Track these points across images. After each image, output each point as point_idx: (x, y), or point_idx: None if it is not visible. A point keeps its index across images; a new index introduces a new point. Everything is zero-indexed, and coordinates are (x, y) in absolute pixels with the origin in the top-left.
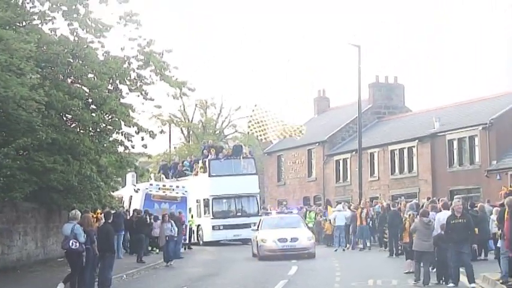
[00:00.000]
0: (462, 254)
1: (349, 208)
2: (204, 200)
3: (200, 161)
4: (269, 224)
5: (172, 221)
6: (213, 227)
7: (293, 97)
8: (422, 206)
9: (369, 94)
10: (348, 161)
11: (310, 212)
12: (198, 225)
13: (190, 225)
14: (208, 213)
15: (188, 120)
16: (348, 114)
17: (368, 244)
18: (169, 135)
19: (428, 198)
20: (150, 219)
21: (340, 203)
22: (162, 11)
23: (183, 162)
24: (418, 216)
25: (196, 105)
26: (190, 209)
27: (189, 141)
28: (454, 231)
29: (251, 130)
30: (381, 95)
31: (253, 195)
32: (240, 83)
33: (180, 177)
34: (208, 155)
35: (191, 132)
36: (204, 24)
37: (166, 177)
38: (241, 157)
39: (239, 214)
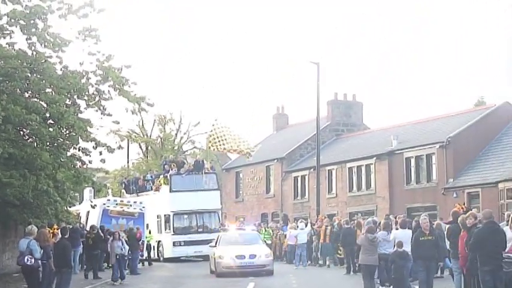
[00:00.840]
0: (430, 271)
1: (312, 226)
2: (164, 215)
3: (161, 176)
4: (227, 240)
5: (122, 239)
6: (174, 243)
7: (252, 113)
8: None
9: (328, 111)
10: (306, 177)
11: (267, 228)
12: (159, 241)
13: (148, 241)
14: (169, 229)
15: (146, 136)
16: (307, 131)
17: (327, 262)
18: (128, 150)
19: (386, 216)
20: (106, 235)
21: (301, 220)
22: (123, 24)
23: (144, 177)
24: (364, 233)
25: (154, 120)
26: (147, 225)
27: (147, 157)
28: (423, 248)
29: (211, 145)
30: (340, 112)
31: (215, 211)
32: (199, 98)
33: (141, 192)
34: (169, 170)
35: (149, 148)
36: (162, 36)
37: (127, 192)
38: (203, 172)
39: (200, 230)
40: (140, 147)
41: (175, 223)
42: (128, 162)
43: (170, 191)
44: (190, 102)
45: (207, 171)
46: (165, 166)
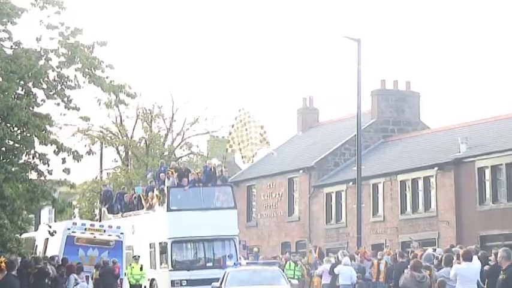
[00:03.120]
0: None
1: (352, 260)
2: (160, 244)
3: (155, 189)
4: (238, 279)
5: (75, 276)
6: (173, 283)
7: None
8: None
9: (372, 104)
10: (343, 194)
11: (294, 262)
12: (152, 280)
13: (137, 280)
14: (166, 262)
15: (126, 137)
16: (344, 132)
17: None
18: (101, 156)
19: (451, 246)
20: (61, 270)
21: (342, 251)
22: None
23: (133, 190)
24: (409, 270)
25: (137, 116)
26: (137, 258)
27: (127, 165)
28: None
29: (231, 146)
30: (389, 105)
31: (231, 237)
32: (196, 87)
33: (127, 211)
34: (165, 180)
35: (130, 153)
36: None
37: (110, 212)
38: (215, 183)
39: (209, 265)
40: (118, 152)
41: (175, 255)
42: (101, 173)
43: (168, 210)
44: (185, 92)
45: (220, 181)
46: (161, 175)
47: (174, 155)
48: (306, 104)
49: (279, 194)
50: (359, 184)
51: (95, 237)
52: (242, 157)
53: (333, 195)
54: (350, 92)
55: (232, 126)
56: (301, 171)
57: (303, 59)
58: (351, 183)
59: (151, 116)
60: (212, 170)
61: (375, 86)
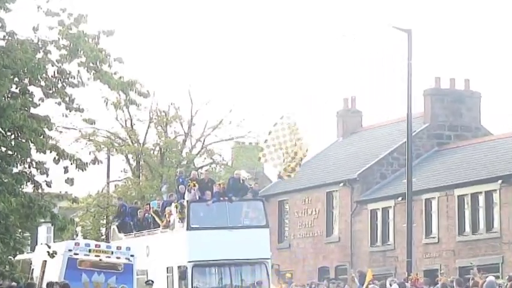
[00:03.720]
0: None
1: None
2: (179, 268)
3: (173, 204)
4: None
5: None
6: None
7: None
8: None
9: (425, 107)
10: (391, 211)
11: None
12: None
13: None
14: None
15: (138, 144)
16: (391, 138)
17: None
18: (108, 166)
19: None
20: None
21: (392, 279)
22: None
23: (148, 205)
24: None
25: (150, 119)
26: (151, 282)
27: (138, 176)
28: None
29: (264, 155)
30: (444, 108)
31: (262, 261)
32: (222, 87)
33: (140, 230)
34: (185, 193)
35: (142, 162)
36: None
37: (122, 231)
38: (243, 197)
39: None
40: (128, 160)
41: (196, 281)
42: (107, 185)
43: (188, 228)
44: (206, 92)
45: (249, 195)
46: (180, 187)
47: (194, 164)
48: (348, 106)
49: (315, 210)
50: (409, 200)
51: (100, 259)
52: (283, 170)
53: (379, 213)
54: (399, 91)
55: (270, 133)
56: (341, 184)
57: (344, 54)
58: (399, 198)
59: (167, 119)
60: (240, 181)
61: (428, 85)
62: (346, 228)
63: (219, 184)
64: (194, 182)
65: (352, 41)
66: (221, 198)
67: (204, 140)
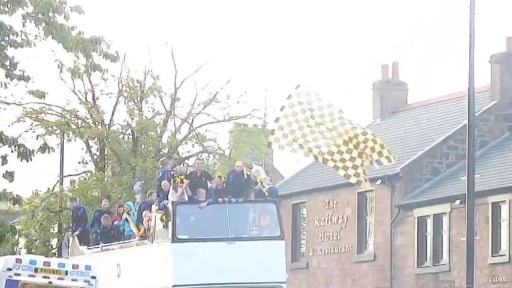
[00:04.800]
0: None
1: None
2: None
3: (153, 207)
4: None
5: None
6: None
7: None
8: None
9: (492, 78)
10: (445, 219)
11: None
12: None
13: None
14: None
15: (102, 125)
16: (447, 120)
17: None
18: (61, 155)
19: None
20: None
21: None
22: None
23: (122, 207)
24: None
25: (120, 92)
26: None
27: (103, 169)
28: None
29: (278, 139)
30: None
31: (276, 287)
32: (216, 49)
33: (109, 242)
34: (169, 191)
35: (107, 151)
36: None
37: (83, 243)
38: (250, 196)
39: None
40: (88, 148)
41: None
42: (60, 180)
43: (174, 241)
44: (195, 55)
45: (260, 194)
46: (163, 183)
47: (178, 153)
48: (388, 75)
49: (342, 217)
50: (471, 204)
51: (50, 282)
52: (366, 157)
53: (429, 221)
54: (457, 57)
55: (282, 108)
56: (378, 182)
57: (382, 11)
58: (457, 201)
59: (142, 92)
60: (245, 176)
61: (497, 49)
62: (384, 242)
63: (219, 177)
64: (182, 177)
65: None
66: (220, 199)
67: (192, 121)
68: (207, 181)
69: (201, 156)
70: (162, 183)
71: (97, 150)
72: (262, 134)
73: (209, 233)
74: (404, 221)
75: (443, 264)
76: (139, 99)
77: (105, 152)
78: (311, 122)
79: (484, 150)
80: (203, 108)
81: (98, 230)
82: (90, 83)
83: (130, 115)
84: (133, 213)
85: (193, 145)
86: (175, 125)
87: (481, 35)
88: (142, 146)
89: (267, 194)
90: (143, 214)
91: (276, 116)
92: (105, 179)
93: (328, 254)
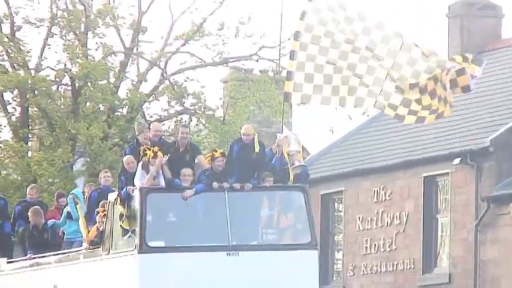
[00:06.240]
0: None
1: None
2: None
3: (111, 195)
4: None
5: None
6: None
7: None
8: None
9: None
10: None
11: None
12: None
13: None
14: None
15: (26, 70)
16: None
17: None
18: None
19: None
20: None
21: None
22: None
23: (59, 199)
24: None
25: (53, 19)
26: None
27: (24, 140)
28: None
29: (298, 89)
30: None
31: None
32: None
33: (41, 251)
34: (136, 172)
35: (32, 111)
36: None
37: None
38: (265, 180)
39: None
40: (3, 106)
41: None
42: None
43: (142, 250)
44: None
45: (282, 176)
46: (126, 159)
47: (143, 114)
48: None
49: (400, 216)
50: None
51: None
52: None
53: None
54: None
55: (297, 35)
56: (456, 160)
57: None
58: None
59: (87, 18)
60: (257, 150)
61: None
62: (465, 255)
63: (213, 153)
64: (156, 148)
65: None
66: (215, 184)
67: (165, 65)
68: (194, 157)
69: (180, 119)
70: (125, 160)
71: (14, 110)
72: (273, 85)
73: (198, 238)
74: (497, 222)
75: None
76: (82, 29)
77: (29, 112)
78: (345, 47)
79: None
80: (183, 45)
81: (25, 233)
82: (8, 4)
83: (68, 55)
84: (82, 207)
85: (168, 102)
86: (139, 71)
87: None
88: (87, 104)
89: (292, 177)
90: (96, 209)
91: (291, 49)
92: (29, 154)
93: (377, 274)
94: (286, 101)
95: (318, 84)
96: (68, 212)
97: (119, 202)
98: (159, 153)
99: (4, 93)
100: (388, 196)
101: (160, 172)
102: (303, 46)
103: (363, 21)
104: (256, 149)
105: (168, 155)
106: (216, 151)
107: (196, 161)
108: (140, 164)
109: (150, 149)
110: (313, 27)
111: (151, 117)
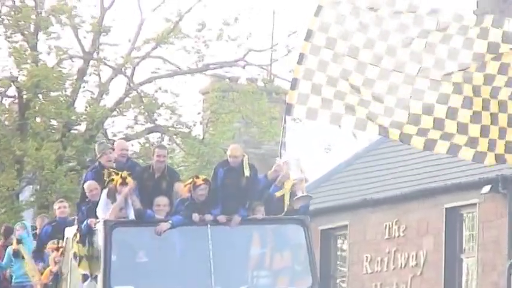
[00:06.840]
0: None
1: None
2: None
3: (68, 230)
4: None
5: None
6: None
7: None
8: None
9: None
10: None
11: None
12: None
13: None
14: None
15: None
16: None
17: None
18: None
19: None
20: None
21: None
22: None
23: (3, 232)
24: None
25: None
26: None
27: None
28: None
29: (302, 96)
30: None
31: None
32: None
33: None
34: (99, 201)
35: None
36: None
37: None
38: (255, 210)
39: None
40: None
41: None
42: None
43: None
44: None
45: (274, 207)
46: (88, 185)
47: (104, 131)
48: None
49: (416, 256)
50: None
51: None
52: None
53: None
54: None
55: (309, 35)
56: (486, 188)
57: None
58: None
59: (38, 16)
60: (247, 175)
61: None
62: None
63: (194, 179)
64: (125, 173)
65: None
66: (195, 216)
67: (132, 72)
68: (172, 184)
69: (157, 140)
70: (86, 186)
71: None
72: (265, 96)
73: (174, 282)
74: None
75: None
76: (32, 29)
77: None
78: (363, 55)
79: None
80: (154, 48)
81: None
82: None
83: (16, 59)
84: (30, 243)
85: (135, 117)
86: (100, 80)
87: None
88: (37, 119)
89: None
90: (47, 246)
91: (300, 52)
92: None
93: None
94: (287, 114)
95: (327, 98)
96: (14, 250)
97: (77, 239)
98: (129, 179)
99: None
100: (402, 232)
101: (129, 202)
102: (314, 49)
103: (398, 18)
104: (246, 173)
105: (136, 181)
106: (198, 177)
107: (174, 189)
108: (105, 191)
109: (117, 174)
110: (329, 27)
111: (114, 135)
